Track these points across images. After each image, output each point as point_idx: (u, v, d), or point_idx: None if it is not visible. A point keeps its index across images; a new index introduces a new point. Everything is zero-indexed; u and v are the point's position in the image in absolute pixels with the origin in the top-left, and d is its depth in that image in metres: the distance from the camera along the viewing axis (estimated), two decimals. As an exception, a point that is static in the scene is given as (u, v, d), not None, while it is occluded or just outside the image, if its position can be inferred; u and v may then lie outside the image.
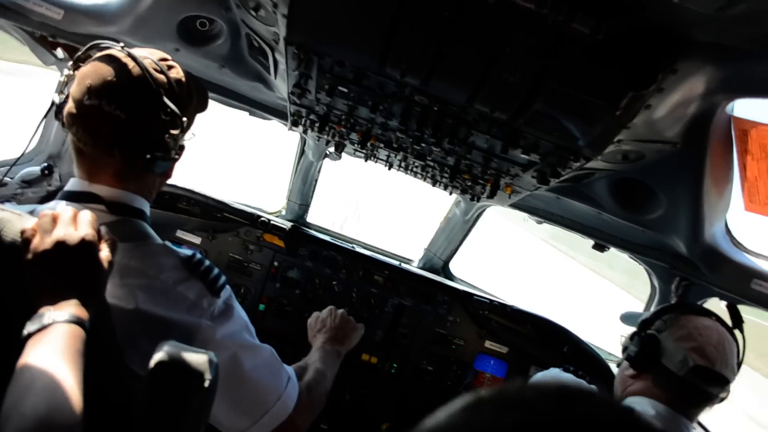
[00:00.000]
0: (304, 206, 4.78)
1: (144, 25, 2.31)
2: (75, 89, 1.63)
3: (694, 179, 2.27)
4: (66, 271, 1.32)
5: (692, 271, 2.96)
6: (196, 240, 4.01)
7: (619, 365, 2.39)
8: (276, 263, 4.07)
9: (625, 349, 2.31)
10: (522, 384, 0.67)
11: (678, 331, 2.13)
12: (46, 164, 3.08)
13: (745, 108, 2.04)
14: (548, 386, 0.65)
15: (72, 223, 1.37)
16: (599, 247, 3.47)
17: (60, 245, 1.32)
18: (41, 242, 1.32)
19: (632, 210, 2.78)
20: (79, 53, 1.70)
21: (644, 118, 1.85)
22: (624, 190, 2.68)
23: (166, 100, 1.64)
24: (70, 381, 1.15)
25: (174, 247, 1.74)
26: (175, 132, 1.68)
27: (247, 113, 3.31)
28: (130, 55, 1.65)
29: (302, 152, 4.38)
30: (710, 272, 2.80)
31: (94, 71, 1.63)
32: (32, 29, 2.33)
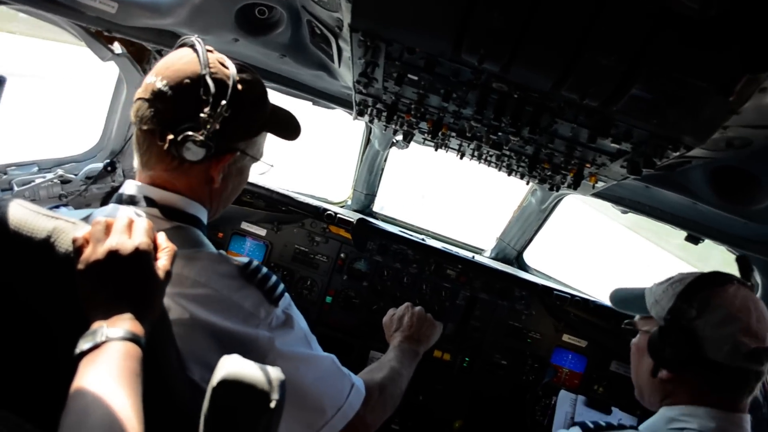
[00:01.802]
0: (371, 196, 4.74)
1: (201, 15, 2.26)
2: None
3: None
4: (119, 282, 1.25)
5: None
6: (261, 232, 4.02)
7: (636, 369, 2.07)
8: (343, 255, 4.03)
9: (655, 349, 1.94)
10: None
11: (714, 314, 1.81)
12: (108, 160, 3.10)
13: None
14: None
15: (126, 231, 1.30)
16: (693, 239, 3.22)
17: (113, 254, 1.25)
18: (93, 251, 1.25)
19: (733, 200, 2.54)
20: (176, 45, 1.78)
21: (756, 101, 1.62)
22: (724, 178, 2.44)
23: (208, 79, 1.62)
24: (127, 409, 1.08)
25: (229, 256, 1.70)
26: (210, 112, 1.62)
27: (310, 103, 3.26)
28: (192, 45, 1.69)
29: (368, 141, 4.31)
30: None
31: (164, 58, 1.72)
32: (87, 24, 2.31)
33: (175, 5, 2.21)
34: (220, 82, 1.64)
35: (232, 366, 1.22)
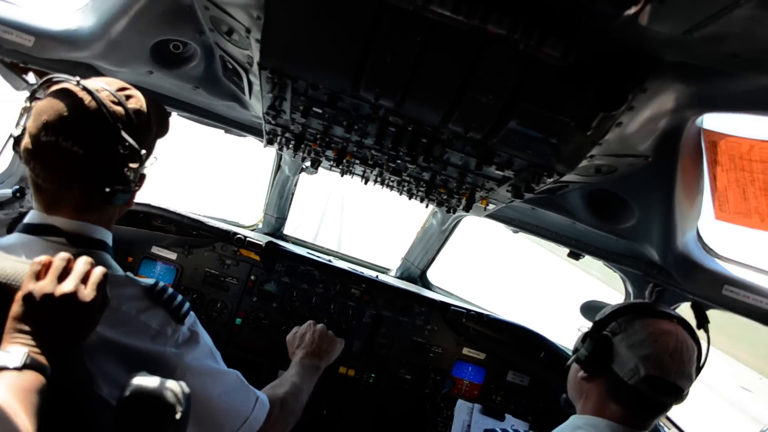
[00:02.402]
0: (281, 219, 4.81)
1: (117, 49, 2.28)
2: (31, 124, 1.59)
3: (665, 190, 2.30)
4: (61, 323, 1.33)
5: (665, 278, 2.99)
6: (172, 255, 4.01)
7: (569, 367, 2.29)
8: (253, 277, 4.08)
9: (576, 350, 2.17)
10: None
11: (633, 335, 2.00)
12: (17, 186, 3.04)
13: (714, 120, 2.08)
14: None
15: (80, 277, 1.38)
16: (574, 255, 3.51)
17: (68, 298, 1.33)
18: (51, 286, 1.33)
19: (606, 220, 2.82)
20: (35, 87, 1.66)
21: (616, 134, 1.88)
22: (597, 200, 2.72)
23: (124, 134, 1.62)
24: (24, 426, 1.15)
25: (135, 278, 1.74)
26: (134, 165, 1.66)
27: (222, 131, 3.30)
28: (85, 88, 1.61)
29: (278, 167, 4.40)
30: (683, 279, 2.83)
31: (50, 106, 1.58)
32: (3, 57, 2.30)
33: (92, 39, 2.22)
34: (135, 129, 1.65)
35: (138, 381, 1.31)
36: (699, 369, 2.05)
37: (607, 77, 1.60)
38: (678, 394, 1.95)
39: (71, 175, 1.60)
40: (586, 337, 2.13)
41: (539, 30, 1.46)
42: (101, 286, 1.41)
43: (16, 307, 1.31)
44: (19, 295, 1.32)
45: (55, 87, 1.64)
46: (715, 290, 2.67)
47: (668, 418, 3.46)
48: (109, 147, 1.61)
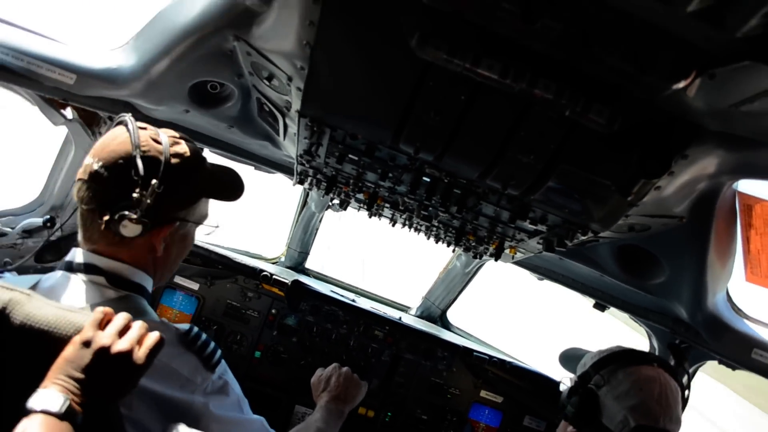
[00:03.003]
0: (304, 254, 4.80)
1: (155, 88, 2.32)
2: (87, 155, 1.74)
3: (698, 250, 2.29)
4: (109, 378, 1.36)
5: (693, 337, 2.96)
6: (194, 286, 4.00)
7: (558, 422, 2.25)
8: (274, 311, 4.06)
9: (563, 407, 2.13)
10: None
11: (617, 387, 1.98)
12: (48, 216, 3.06)
13: (750, 184, 2.08)
14: None
15: (137, 338, 1.42)
16: (600, 306, 3.48)
17: (122, 356, 1.36)
18: (111, 340, 1.36)
19: (635, 275, 2.79)
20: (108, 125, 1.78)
21: (653, 196, 1.87)
22: (627, 255, 2.71)
23: (138, 160, 1.67)
24: None
25: (170, 323, 1.75)
26: (142, 192, 1.67)
27: (252, 167, 3.31)
28: (129, 125, 1.73)
29: (305, 203, 4.40)
30: (712, 339, 2.80)
31: (101, 138, 1.76)
32: (44, 94, 2.33)
33: (131, 78, 2.26)
34: (152, 160, 1.70)
35: None
36: (683, 407, 2.03)
37: (651, 144, 1.61)
38: None
39: (98, 199, 1.69)
40: (571, 393, 2.10)
41: (585, 97, 1.46)
42: (154, 351, 1.43)
43: (71, 350, 1.33)
44: (79, 339, 1.34)
45: (115, 122, 1.81)
46: (744, 352, 2.67)
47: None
48: (125, 171, 1.67)
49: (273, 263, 4.79)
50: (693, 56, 1.26)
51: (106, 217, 1.66)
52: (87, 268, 1.72)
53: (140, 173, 1.66)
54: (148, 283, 1.83)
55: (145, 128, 1.77)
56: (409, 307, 5.02)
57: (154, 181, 1.67)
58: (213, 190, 1.93)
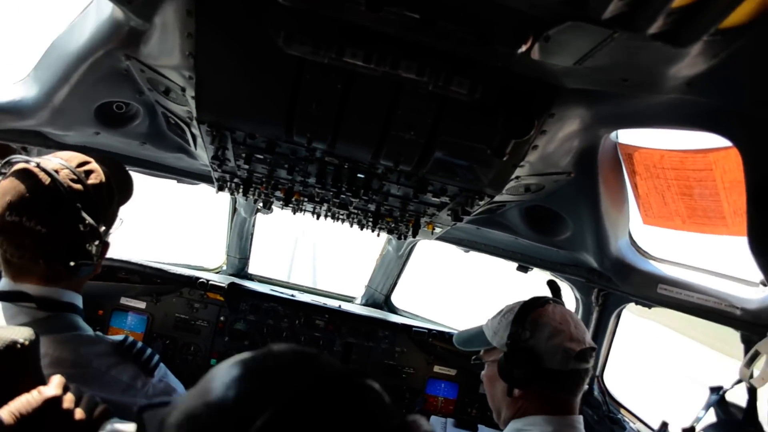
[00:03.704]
0: (244, 259, 4.87)
1: (62, 115, 2.36)
2: None
3: (591, 201, 2.45)
4: None
5: (606, 283, 3.15)
6: (141, 305, 4.05)
7: (492, 395, 2.30)
8: (222, 318, 4.13)
9: (505, 372, 2.13)
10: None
11: (543, 331, 2.07)
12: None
13: (628, 134, 2.27)
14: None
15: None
16: (522, 268, 3.68)
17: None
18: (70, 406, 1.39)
19: (544, 233, 2.98)
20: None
21: (536, 155, 2.03)
22: (534, 216, 2.88)
23: (83, 213, 1.69)
24: None
25: (104, 336, 1.81)
26: (95, 242, 1.73)
27: (175, 181, 3.38)
28: (43, 169, 1.68)
29: (234, 209, 4.48)
30: (621, 282, 2.99)
31: (12, 187, 1.65)
32: None
33: (37, 108, 2.30)
34: (95, 204, 1.73)
35: (112, 427, 1.36)
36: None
37: (513, 108, 1.74)
38: (594, 352, 2.13)
39: (37, 252, 1.67)
40: (509, 357, 2.12)
41: (445, 71, 1.61)
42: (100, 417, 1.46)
43: (36, 399, 1.34)
44: (48, 395, 1.35)
45: (15, 167, 1.71)
46: (651, 290, 2.82)
47: (630, 412, 3.58)
48: (70, 225, 1.68)
49: (216, 272, 4.85)
50: (525, 22, 1.37)
51: (60, 267, 1.69)
52: (17, 296, 1.72)
53: (88, 224, 1.69)
54: (78, 300, 1.84)
55: (58, 170, 1.70)
56: (354, 297, 5.15)
57: (102, 228, 1.74)
58: (122, 195, 1.96)
